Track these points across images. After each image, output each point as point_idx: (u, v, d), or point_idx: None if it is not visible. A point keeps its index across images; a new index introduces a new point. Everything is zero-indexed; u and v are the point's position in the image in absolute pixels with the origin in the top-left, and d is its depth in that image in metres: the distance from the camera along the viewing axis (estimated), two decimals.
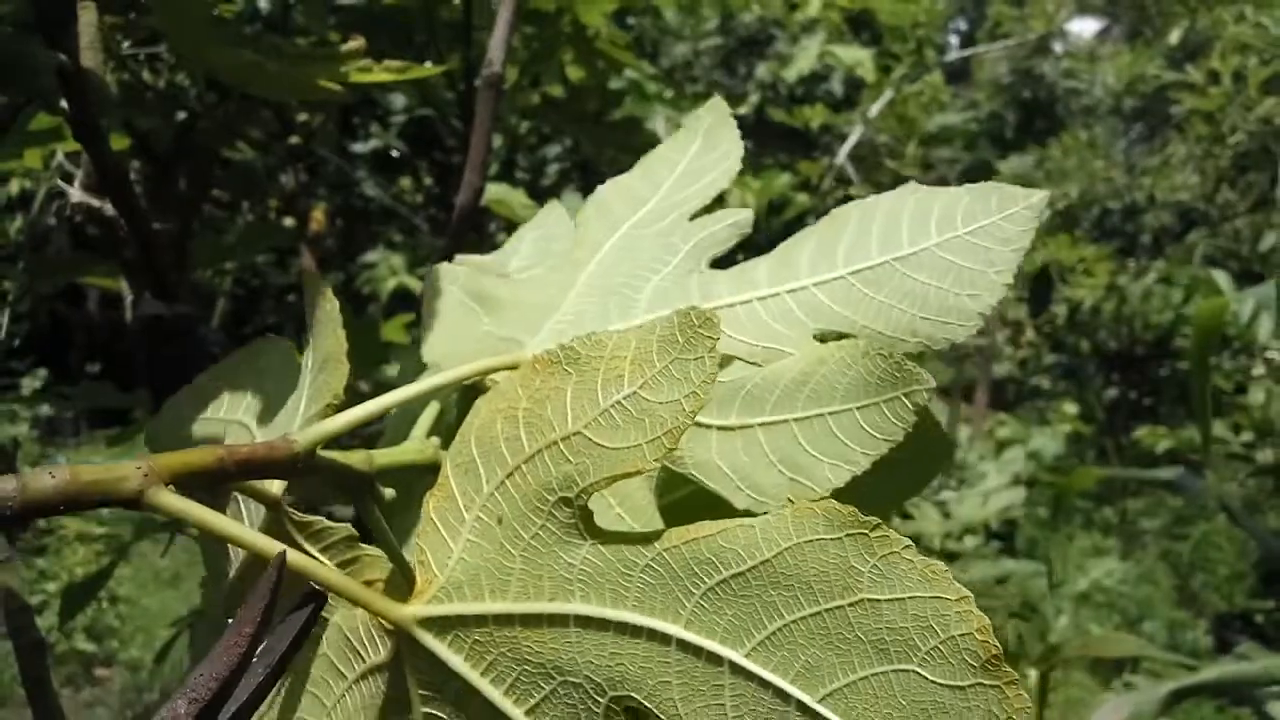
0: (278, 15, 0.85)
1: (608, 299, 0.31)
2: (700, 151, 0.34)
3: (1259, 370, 2.59)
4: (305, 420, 0.26)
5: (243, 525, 0.24)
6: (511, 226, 1.28)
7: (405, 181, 1.76)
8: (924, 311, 0.27)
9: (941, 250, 0.27)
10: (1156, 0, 3.99)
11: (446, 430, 0.28)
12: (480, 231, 1.20)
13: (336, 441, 0.25)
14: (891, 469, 0.25)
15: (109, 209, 0.66)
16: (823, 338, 0.28)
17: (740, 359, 0.28)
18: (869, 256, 0.28)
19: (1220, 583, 2.84)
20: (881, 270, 0.28)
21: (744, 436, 0.27)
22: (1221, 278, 1.72)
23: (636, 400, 0.22)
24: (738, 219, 0.32)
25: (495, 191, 1.11)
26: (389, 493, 0.26)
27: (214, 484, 0.23)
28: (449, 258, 0.70)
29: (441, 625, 0.22)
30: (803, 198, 2.41)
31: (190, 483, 0.22)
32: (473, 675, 0.22)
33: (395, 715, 0.23)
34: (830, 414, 0.26)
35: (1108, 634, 2.47)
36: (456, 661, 0.22)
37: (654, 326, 0.22)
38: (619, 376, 0.22)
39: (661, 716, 0.21)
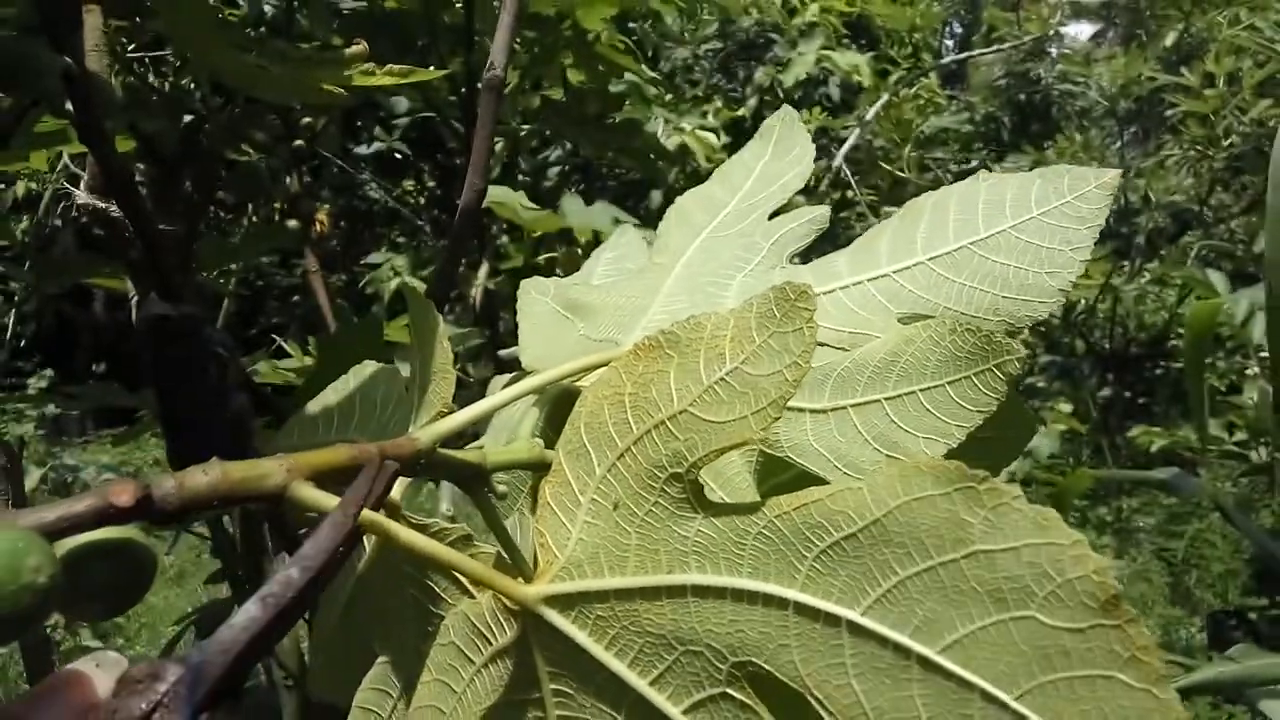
0: (282, 19, 0.86)
1: (695, 296, 0.32)
2: (774, 156, 0.35)
3: (1253, 370, 2.61)
4: (419, 427, 0.27)
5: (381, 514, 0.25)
6: (513, 228, 1.29)
7: (408, 183, 1.77)
8: (1005, 291, 0.28)
9: (1018, 232, 0.28)
10: (1151, 3, 4.02)
11: (543, 437, 0.30)
12: (482, 233, 1.21)
13: (448, 445, 0.27)
14: (979, 446, 0.26)
15: (114, 211, 0.67)
16: (907, 322, 0.29)
17: (829, 345, 0.29)
18: (947, 242, 0.29)
19: (1214, 580, 2.86)
20: (960, 254, 0.29)
21: (837, 418, 0.27)
22: (1217, 278, 1.73)
23: (739, 375, 0.22)
24: (815, 215, 0.33)
25: (497, 193, 1.12)
26: (501, 488, 0.27)
27: (348, 480, 0.25)
28: (452, 258, 0.71)
29: (565, 603, 0.23)
30: (800, 200, 2.42)
31: (326, 479, 0.24)
32: (597, 650, 0.23)
33: (523, 693, 0.24)
34: (922, 390, 0.26)
35: None
36: (581, 637, 0.23)
37: (751, 304, 0.23)
38: (720, 354, 0.23)
39: (783, 678, 0.21)
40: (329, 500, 0.23)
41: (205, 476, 0.23)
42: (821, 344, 0.29)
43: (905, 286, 0.29)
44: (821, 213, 0.33)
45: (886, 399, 0.27)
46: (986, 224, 0.29)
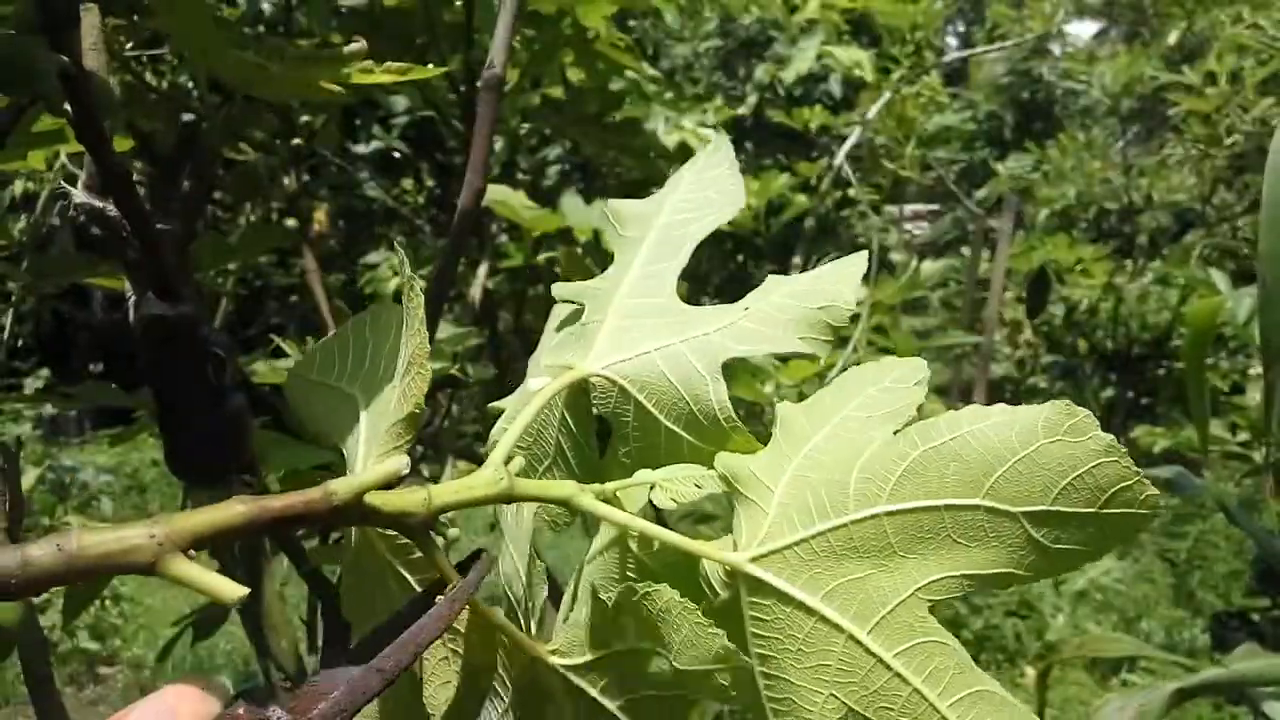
0: (280, 17, 0.86)
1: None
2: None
3: (1256, 369, 2.60)
4: (389, 430, 0.26)
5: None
6: (513, 227, 1.29)
7: (407, 182, 1.77)
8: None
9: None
10: (1154, 2, 4.01)
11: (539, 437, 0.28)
12: (481, 232, 1.20)
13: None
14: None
15: (112, 210, 0.67)
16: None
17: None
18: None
19: (1218, 582, 2.85)
20: None
21: None
22: (1219, 277, 1.72)
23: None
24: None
25: (496, 192, 1.11)
26: (453, 532, 0.25)
27: (246, 539, 0.23)
28: (451, 258, 0.71)
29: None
30: (801, 198, 2.41)
31: (217, 542, 0.21)
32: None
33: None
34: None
35: (1105, 634, 2.47)
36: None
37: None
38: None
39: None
40: (204, 577, 0.21)
41: (58, 551, 0.20)
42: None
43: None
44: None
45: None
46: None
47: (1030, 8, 3.75)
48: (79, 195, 0.68)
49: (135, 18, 0.74)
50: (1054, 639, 2.52)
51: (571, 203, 1.22)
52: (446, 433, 0.97)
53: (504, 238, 1.40)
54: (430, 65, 0.68)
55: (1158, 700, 0.94)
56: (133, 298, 0.74)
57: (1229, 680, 0.99)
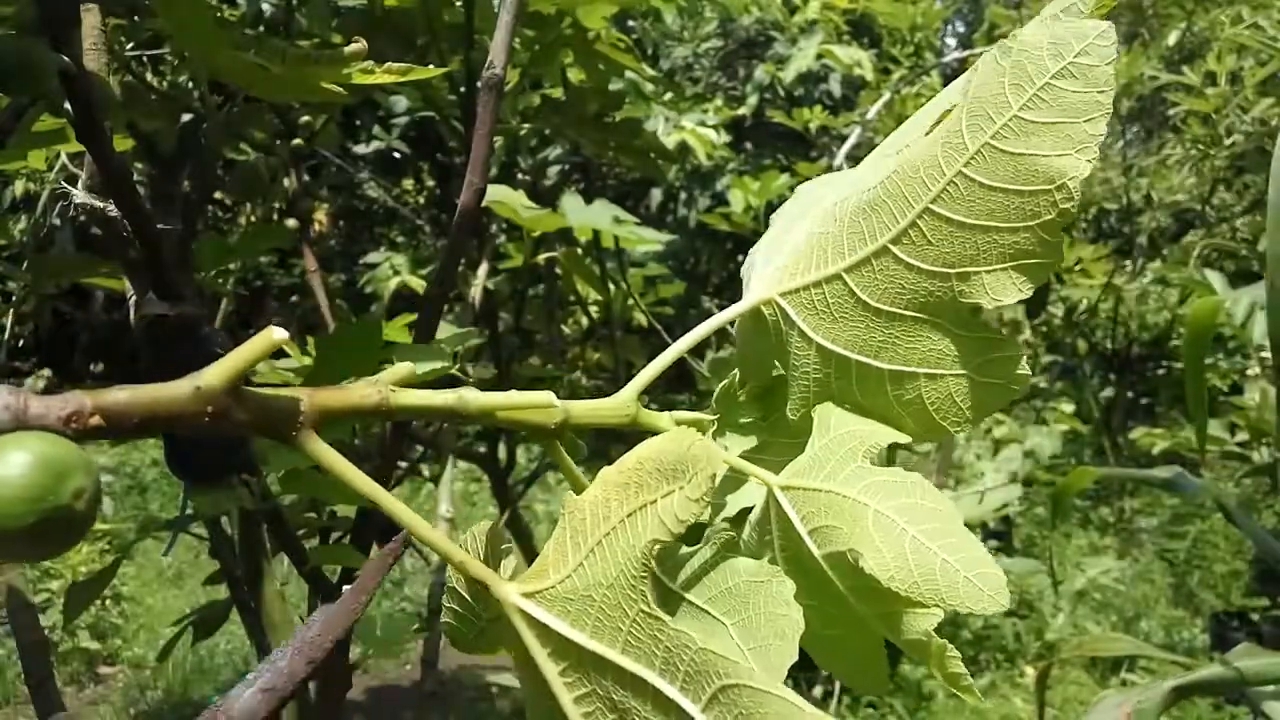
0: (280, 17, 0.86)
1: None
2: None
3: (1254, 370, 2.60)
4: None
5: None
6: (512, 227, 1.29)
7: (408, 182, 1.77)
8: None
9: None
10: (1153, 2, 4.01)
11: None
12: (481, 233, 1.21)
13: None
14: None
15: (113, 210, 0.67)
16: None
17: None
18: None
19: (1217, 581, 2.85)
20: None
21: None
22: (1216, 278, 1.72)
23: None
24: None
25: (496, 192, 1.11)
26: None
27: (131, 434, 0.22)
28: (451, 258, 0.71)
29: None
30: None
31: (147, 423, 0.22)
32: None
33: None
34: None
35: (1104, 634, 2.47)
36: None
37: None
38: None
39: None
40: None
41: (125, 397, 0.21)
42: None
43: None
44: None
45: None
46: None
47: (1030, 7, 3.76)
48: (79, 195, 0.68)
49: (135, 18, 0.74)
50: (1053, 639, 2.52)
51: (571, 203, 1.22)
52: (447, 433, 0.97)
53: (504, 238, 1.40)
54: (430, 65, 0.68)
55: (1155, 698, 0.94)
56: (133, 298, 0.74)
57: (1226, 679, 0.99)
